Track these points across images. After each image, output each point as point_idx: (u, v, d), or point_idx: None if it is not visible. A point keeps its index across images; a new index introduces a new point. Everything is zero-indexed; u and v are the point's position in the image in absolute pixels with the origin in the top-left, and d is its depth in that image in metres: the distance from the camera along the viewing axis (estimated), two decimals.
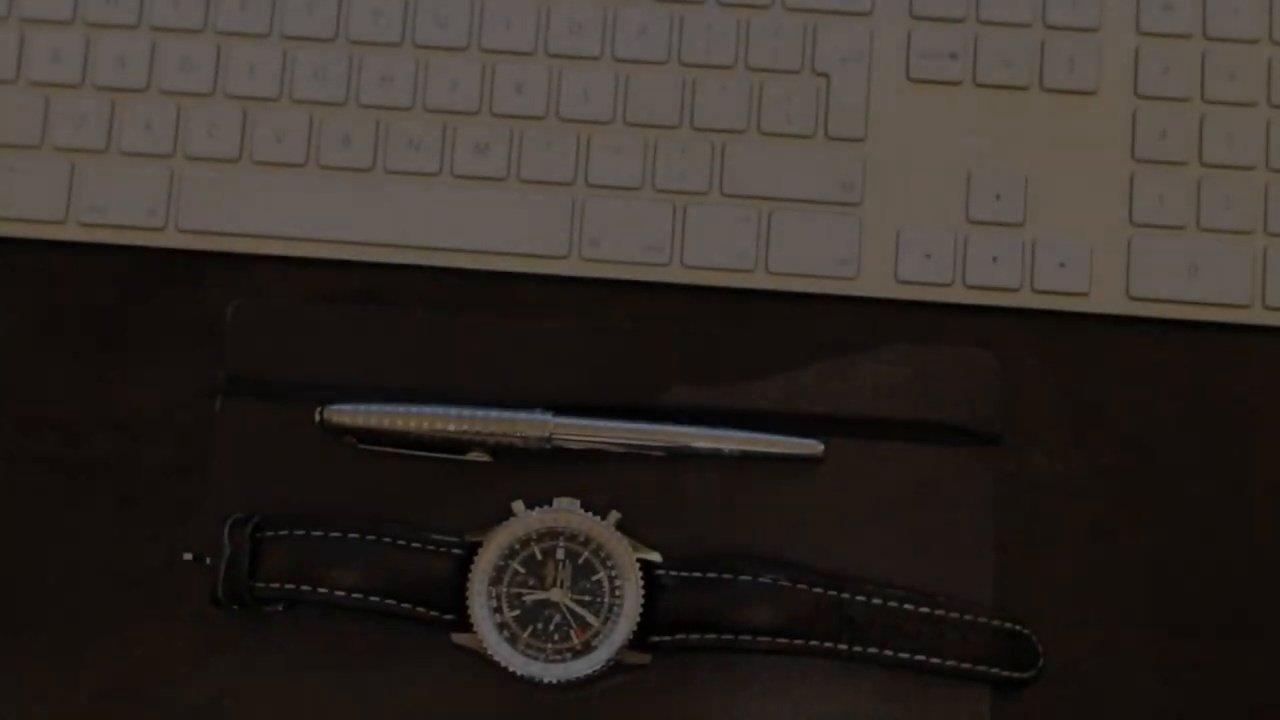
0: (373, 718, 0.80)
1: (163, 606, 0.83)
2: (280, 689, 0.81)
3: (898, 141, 0.87)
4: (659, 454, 0.82)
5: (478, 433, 0.82)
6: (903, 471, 0.83)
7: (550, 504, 0.80)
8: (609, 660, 0.78)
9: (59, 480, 0.84)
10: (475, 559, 0.79)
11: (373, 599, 0.79)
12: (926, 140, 0.87)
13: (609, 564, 0.79)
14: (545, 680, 0.78)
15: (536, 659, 0.78)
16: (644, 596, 0.79)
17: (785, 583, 0.79)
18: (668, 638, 0.79)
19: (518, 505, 0.81)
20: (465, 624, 0.79)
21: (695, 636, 0.79)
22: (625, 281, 0.87)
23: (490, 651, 0.78)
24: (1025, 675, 0.80)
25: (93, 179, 0.86)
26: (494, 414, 0.82)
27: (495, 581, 0.79)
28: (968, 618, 0.79)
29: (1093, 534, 0.83)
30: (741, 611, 0.78)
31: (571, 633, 0.79)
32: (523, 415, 0.82)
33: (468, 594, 0.79)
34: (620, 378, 0.84)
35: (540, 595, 0.79)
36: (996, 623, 0.80)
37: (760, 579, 0.79)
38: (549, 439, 0.82)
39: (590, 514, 0.80)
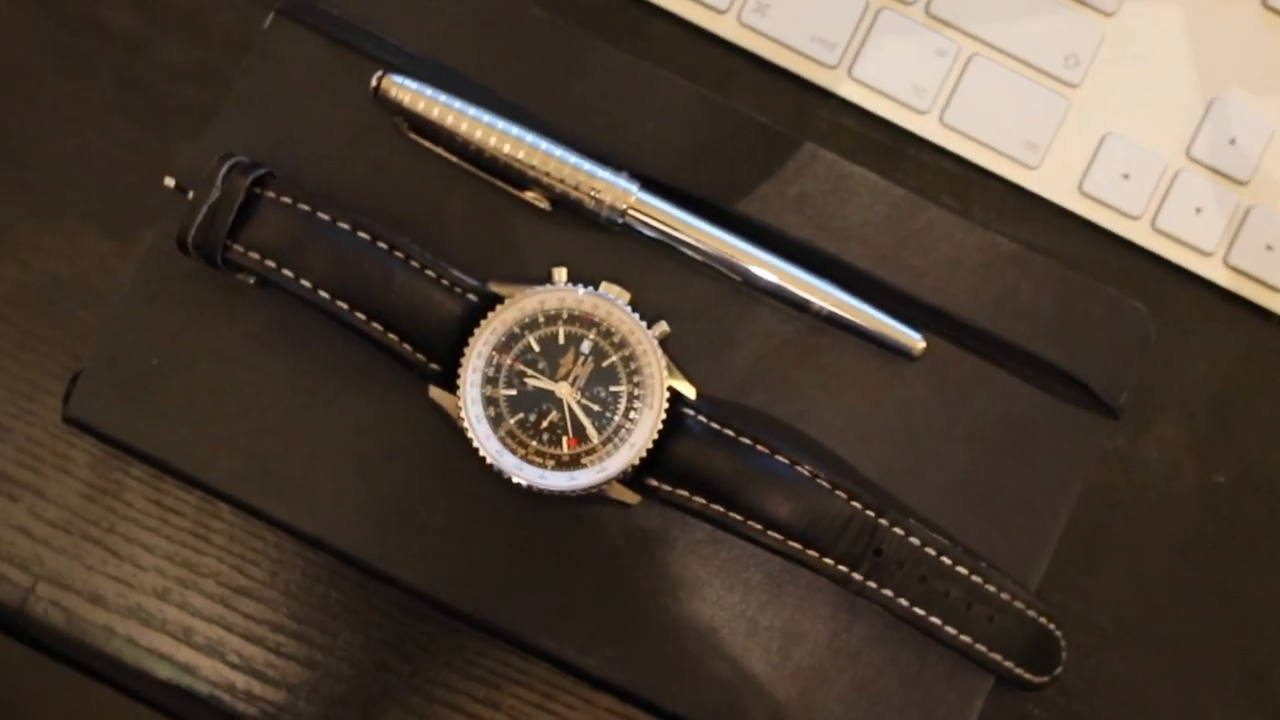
0: (301, 443, 0.68)
1: (122, 220, 0.70)
2: (214, 369, 0.68)
3: (1146, 30, 0.72)
4: (735, 278, 0.69)
5: (547, 173, 0.68)
6: (999, 404, 0.69)
7: (596, 288, 0.67)
8: (593, 486, 0.66)
9: (66, 58, 0.70)
10: (490, 314, 0.66)
11: (358, 314, 0.65)
12: (1177, 42, 0.72)
13: (635, 378, 0.66)
14: (513, 479, 0.65)
15: (513, 453, 0.66)
16: (660, 431, 0.66)
17: (822, 481, 0.66)
18: (667, 489, 0.66)
19: (559, 273, 0.67)
20: (450, 382, 0.66)
21: (699, 500, 0.66)
22: (778, 69, 0.72)
23: (466, 423, 0.66)
24: (1037, 680, 0.67)
25: None
26: (573, 158, 0.68)
27: (502, 349, 0.66)
28: (1003, 596, 0.67)
29: (1175, 551, 0.71)
30: (761, 494, 0.66)
31: (564, 439, 0.66)
32: (605, 173, 0.68)
33: (466, 349, 0.66)
34: (729, 174, 0.70)
35: (546, 384, 0.66)
36: (1031, 612, 0.67)
37: (796, 465, 0.66)
38: (624, 212, 0.68)
39: (636, 314, 0.66)
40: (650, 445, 0.66)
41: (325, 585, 0.70)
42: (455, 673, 0.70)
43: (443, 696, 0.70)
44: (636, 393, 0.66)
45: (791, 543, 0.66)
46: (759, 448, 0.66)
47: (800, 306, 0.68)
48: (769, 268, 0.68)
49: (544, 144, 0.68)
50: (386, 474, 0.68)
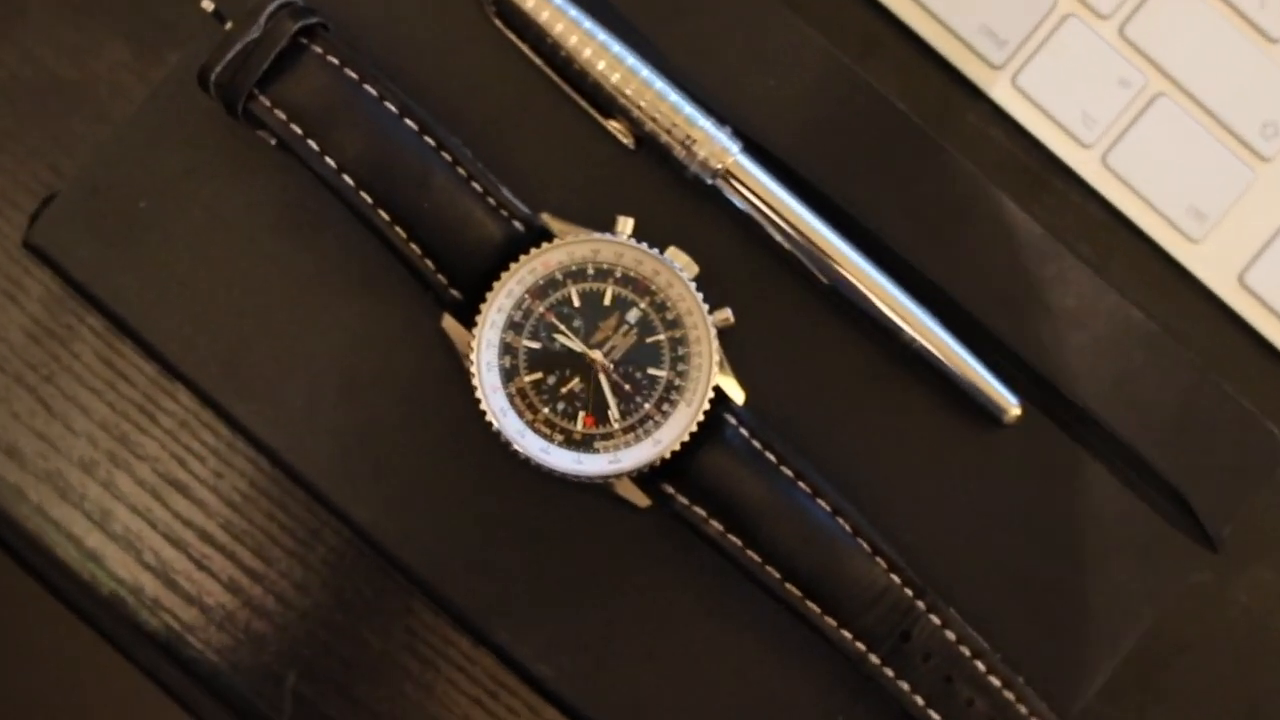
0: (282, 341, 0.58)
1: (149, 33, 0.60)
2: (204, 230, 0.58)
3: None
4: (822, 280, 0.58)
5: (640, 105, 0.58)
6: (1086, 500, 0.59)
7: (662, 251, 0.57)
8: (600, 476, 0.56)
9: None
10: (533, 249, 0.56)
11: (382, 213, 0.55)
12: None
13: (680, 366, 0.56)
14: (512, 445, 0.56)
15: (519, 415, 0.56)
16: (693, 433, 0.56)
17: (862, 540, 0.56)
18: (684, 502, 0.56)
19: (625, 223, 0.57)
20: (468, 315, 0.56)
21: (715, 526, 0.56)
22: (931, 50, 0.62)
23: (474, 367, 0.56)
24: None
25: None
26: (674, 95, 0.58)
27: (537, 293, 0.56)
28: None
29: (1243, 717, 0.61)
30: (787, 537, 0.56)
31: (580, 415, 0.56)
32: (706, 122, 0.58)
33: (496, 283, 0.56)
34: (846, 159, 0.59)
35: (577, 346, 0.56)
36: None
37: (837, 515, 0.56)
38: (716, 172, 0.58)
39: (700, 293, 0.56)
40: (678, 446, 0.56)
41: (271, 504, 0.61)
42: (394, 641, 0.60)
43: (373, 663, 0.60)
44: (677, 382, 0.56)
45: (810, 603, 0.56)
46: (800, 484, 0.56)
47: (888, 333, 0.58)
48: (863, 279, 0.58)
49: (645, 71, 0.58)
50: (370, 401, 0.58)
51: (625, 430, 0.56)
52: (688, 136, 0.58)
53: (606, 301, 0.57)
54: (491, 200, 0.56)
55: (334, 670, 0.60)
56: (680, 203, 0.59)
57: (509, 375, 0.56)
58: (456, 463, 0.58)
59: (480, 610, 0.58)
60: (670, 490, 0.57)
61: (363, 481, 0.58)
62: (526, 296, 0.56)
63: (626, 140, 0.59)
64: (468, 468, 0.58)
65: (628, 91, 0.57)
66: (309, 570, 0.61)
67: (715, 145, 0.58)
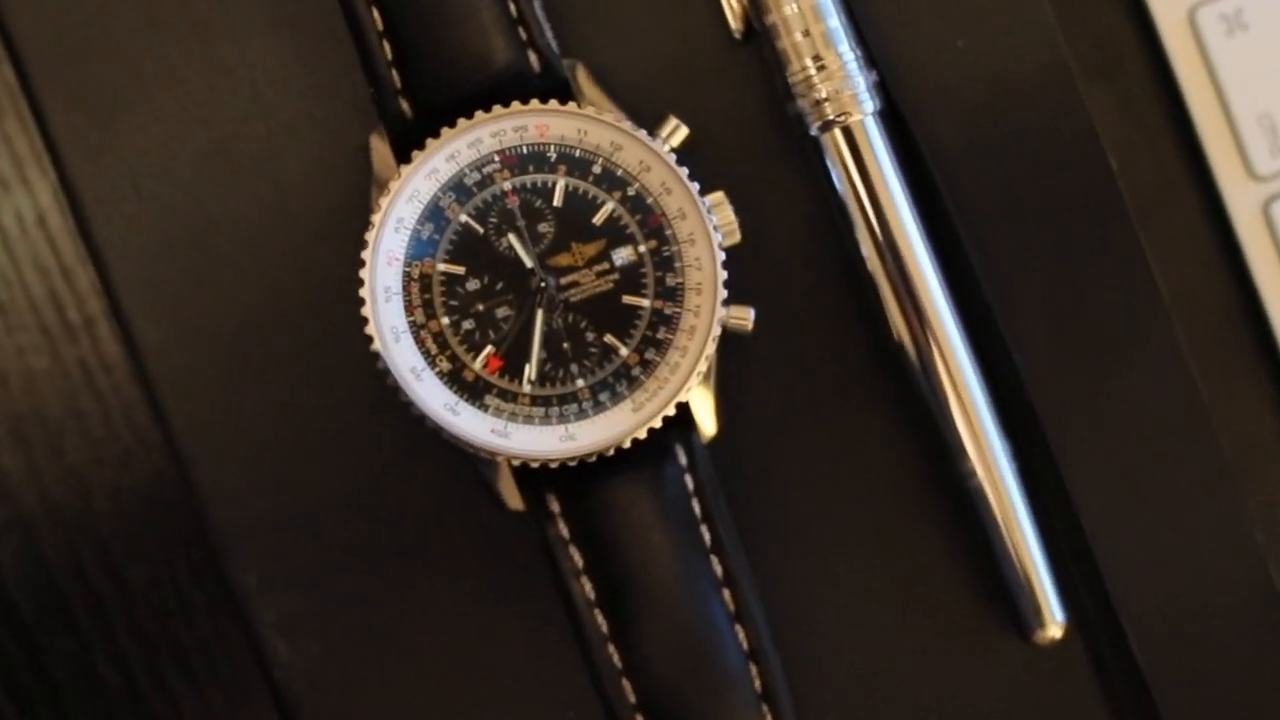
0: None
1: None
2: None
3: None
4: (892, 337, 0.40)
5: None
6: None
7: (702, 187, 0.38)
8: (472, 446, 0.38)
9: None
10: (535, 101, 0.38)
11: None
12: None
13: (651, 350, 0.38)
14: (374, 346, 0.38)
15: (406, 310, 0.38)
16: (624, 450, 0.38)
17: (759, 681, 0.38)
18: (562, 533, 0.38)
19: (674, 130, 0.39)
20: (407, 146, 0.38)
21: (585, 586, 0.38)
22: (1176, 102, 0.43)
23: (377, 216, 0.38)
24: None
25: None
26: (832, 10, 0.40)
27: (514, 163, 0.38)
28: None
29: None
30: (662, 630, 0.38)
31: (486, 351, 0.38)
32: (851, 57, 0.40)
33: (464, 121, 0.38)
34: (1002, 193, 0.41)
35: (529, 260, 0.38)
36: None
37: (753, 658, 0.38)
38: (832, 122, 0.40)
39: (724, 270, 0.38)
40: (594, 458, 0.38)
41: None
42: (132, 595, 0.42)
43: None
44: (636, 372, 0.38)
45: None
46: (725, 592, 0.38)
47: (945, 448, 0.40)
48: (950, 361, 0.40)
49: None
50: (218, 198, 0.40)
51: (535, 401, 0.38)
52: (817, 56, 0.39)
53: (598, 219, 0.39)
54: (521, 31, 0.38)
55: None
56: (760, 141, 0.41)
57: (419, 249, 0.38)
58: (296, 327, 0.40)
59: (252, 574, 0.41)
60: (554, 508, 0.39)
61: (166, 317, 0.40)
62: (497, 159, 0.38)
63: (735, 27, 0.41)
64: (306, 347, 0.40)
65: None
66: None
67: (846, 87, 0.39)
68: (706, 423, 0.40)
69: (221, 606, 0.42)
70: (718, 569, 0.38)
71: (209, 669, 0.43)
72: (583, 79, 0.40)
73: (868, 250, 0.40)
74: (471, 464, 0.39)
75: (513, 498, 0.39)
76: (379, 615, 0.40)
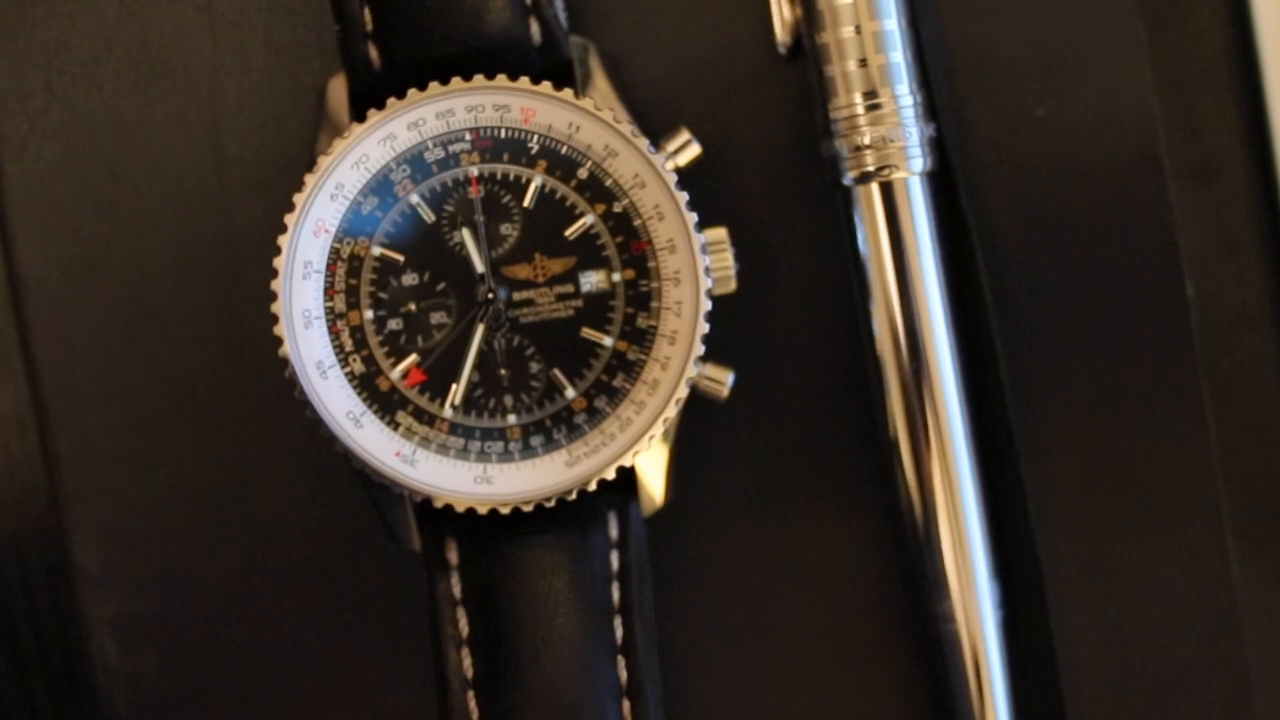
0: None
1: None
2: None
3: None
4: (886, 433, 0.34)
5: (835, 26, 0.33)
6: None
7: (699, 223, 0.32)
8: (371, 470, 0.32)
9: None
10: (524, 79, 0.32)
11: None
12: None
13: (602, 398, 0.32)
14: (279, 328, 0.32)
15: (324, 293, 0.32)
16: (547, 509, 0.32)
17: None
18: (454, 591, 0.32)
19: (684, 145, 0.33)
20: (364, 102, 0.32)
21: (463, 659, 0.32)
22: None
23: (314, 177, 0.32)
24: None
25: None
26: (896, 45, 0.33)
27: (489, 149, 0.32)
28: None
29: None
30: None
31: (409, 359, 0.32)
32: (911, 97, 0.33)
33: (436, 85, 0.31)
34: (1055, 300, 0.35)
35: (479, 265, 0.32)
36: None
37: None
38: (872, 174, 0.33)
39: (706, 322, 0.32)
40: (506, 508, 0.32)
41: None
42: None
43: None
44: (579, 420, 0.32)
45: None
46: (624, 672, 0.32)
47: (926, 584, 0.34)
48: (950, 484, 0.34)
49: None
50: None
51: (455, 429, 0.32)
52: (871, 93, 0.33)
53: (571, 232, 0.32)
54: None
55: None
56: (782, 177, 0.34)
57: (356, 225, 0.32)
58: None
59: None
60: (452, 559, 0.33)
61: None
62: (468, 139, 0.32)
63: (781, 35, 0.34)
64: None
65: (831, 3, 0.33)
66: None
67: (896, 136, 0.33)
68: (653, 490, 0.34)
69: (61, 588, 0.36)
70: (623, 675, 0.32)
71: (36, 648, 0.37)
72: (592, 64, 0.33)
73: (881, 330, 0.34)
74: (365, 486, 0.33)
75: (408, 535, 0.33)
76: (228, 634, 0.34)
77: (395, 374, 0.32)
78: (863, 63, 0.33)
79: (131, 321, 0.34)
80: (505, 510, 0.32)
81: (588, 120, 0.32)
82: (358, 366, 0.32)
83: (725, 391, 0.33)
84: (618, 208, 0.32)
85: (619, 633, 0.32)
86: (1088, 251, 0.34)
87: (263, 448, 0.34)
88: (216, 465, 0.34)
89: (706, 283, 0.32)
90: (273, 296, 0.31)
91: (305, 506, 0.34)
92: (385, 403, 0.32)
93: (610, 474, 0.32)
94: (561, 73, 0.33)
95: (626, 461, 0.32)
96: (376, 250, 0.32)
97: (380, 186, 0.32)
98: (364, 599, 0.35)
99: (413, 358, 0.32)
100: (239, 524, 0.34)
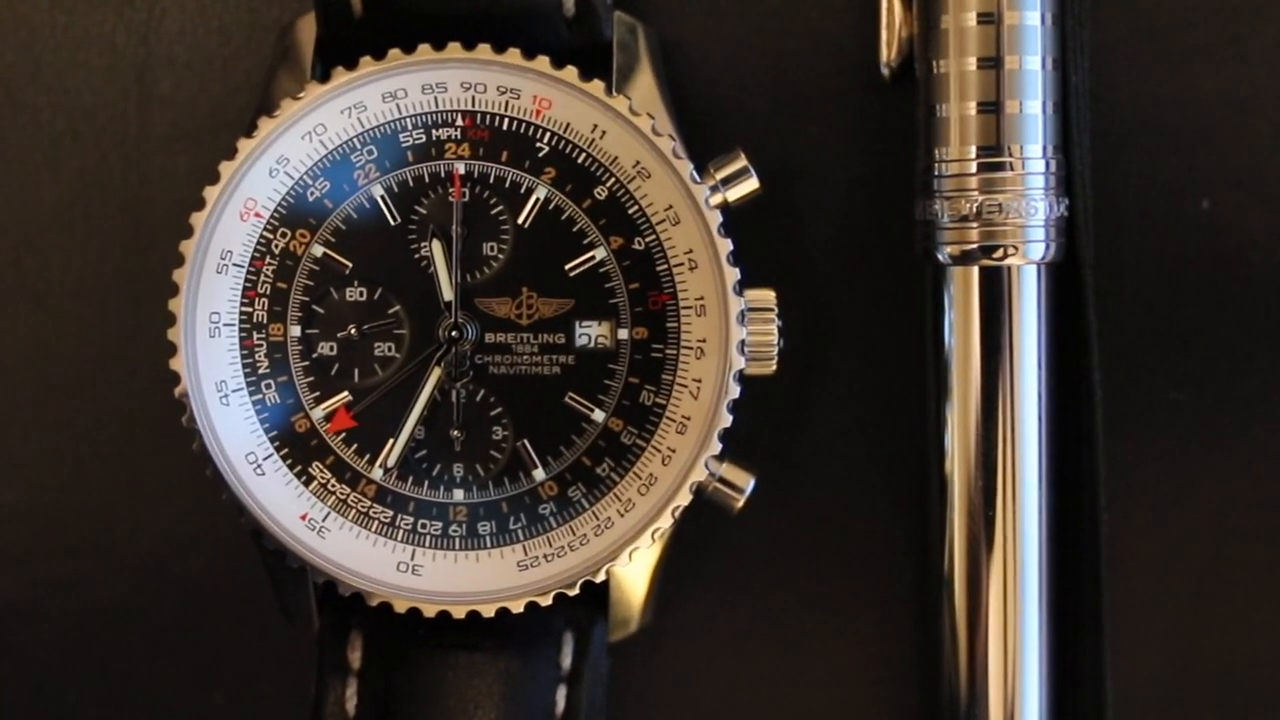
0: None
1: None
2: None
3: None
4: (938, 571, 0.26)
5: (960, 77, 0.25)
6: None
7: (741, 284, 0.24)
8: (277, 536, 0.24)
9: None
10: (542, 57, 0.24)
11: None
12: None
13: (578, 488, 0.25)
14: (182, 398, 0.24)
15: (243, 294, 0.24)
16: (489, 621, 0.24)
17: None
18: (350, 698, 0.25)
19: (741, 173, 0.25)
20: (335, 55, 0.24)
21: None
22: None
23: (254, 145, 0.24)
24: None
25: None
26: (1034, 118, 0.25)
27: (488, 139, 0.24)
28: None
29: None
30: None
31: (340, 399, 0.25)
32: (1044, 162, 0.25)
33: (425, 47, 0.24)
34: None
35: (446, 292, 0.25)
36: None
37: None
38: (976, 254, 0.25)
39: (729, 414, 0.24)
40: (463, 614, 0.24)
41: None
42: None
43: None
44: (545, 509, 0.25)
45: None
46: None
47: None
48: (1009, 654, 0.26)
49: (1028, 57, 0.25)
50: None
51: (384, 497, 0.25)
52: (992, 147, 0.25)
53: (572, 267, 0.25)
54: None
55: None
56: (857, 236, 0.27)
57: (298, 213, 0.24)
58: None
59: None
60: (354, 661, 0.25)
61: None
62: (459, 124, 0.24)
63: (887, 54, 0.26)
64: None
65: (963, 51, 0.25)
66: None
67: (1018, 210, 0.25)
68: (628, 607, 0.26)
69: None
70: None
71: None
72: (640, 50, 0.26)
73: (955, 446, 0.26)
74: (257, 544, 0.25)
75: (305, 616, 0.25)
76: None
77: (318, 413, 0.25)
78: (989, 106, 0.25)
79: (8, 288, 0.27)
80: (430, 612, 0.24)
81: (618, 125, 0.24)
82: (271, 396, 0.25)
83: (740, 503, 0.25)
84: (639, 245, 0.25)
85: None
86: (1226, 380, 0.27)
87: (146, 473, 0.27)
88: (85, 483, 0.27)
89: (739, 362, 0.24)
90: (173, 290, 0.24)
91: (187, 554, 0.27)
92: (299, 448, 0.25)
93: (572, 590, 0.24)
94: (596, 57, 0.25)
95: (598, 577, 0.24)
96: (318, 249, 0.25)
97: (336, 168, 0.24)
98: (243, 675, 0.27)
99: (343, 395, 0.25)
100: (104, 557, 0.27)
